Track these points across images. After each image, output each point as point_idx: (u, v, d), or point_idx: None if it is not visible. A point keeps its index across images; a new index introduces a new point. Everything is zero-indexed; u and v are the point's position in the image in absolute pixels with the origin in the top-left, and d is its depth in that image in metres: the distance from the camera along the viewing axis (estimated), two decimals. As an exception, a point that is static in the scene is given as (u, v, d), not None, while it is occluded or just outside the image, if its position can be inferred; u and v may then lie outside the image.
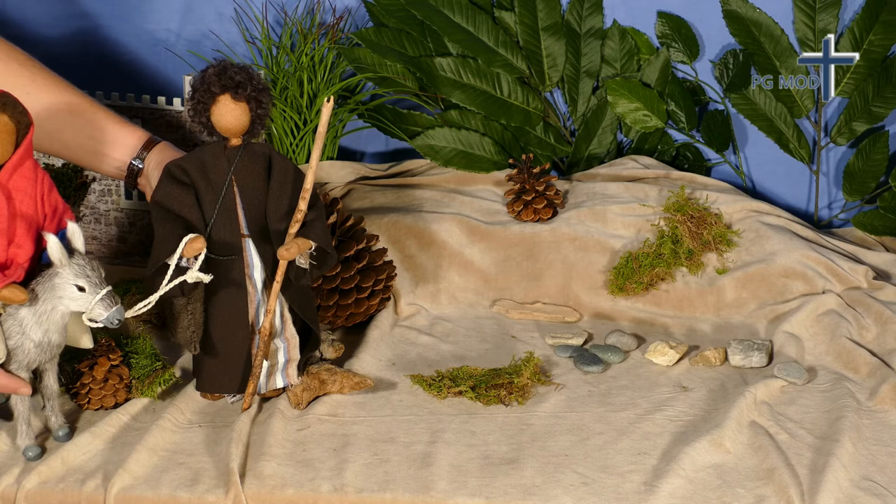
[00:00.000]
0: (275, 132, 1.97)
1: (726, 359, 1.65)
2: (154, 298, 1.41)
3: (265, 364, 1.49)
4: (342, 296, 1.69)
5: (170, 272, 1.40)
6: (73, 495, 1.34)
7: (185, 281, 1.41)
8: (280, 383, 1.51)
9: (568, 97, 2.05)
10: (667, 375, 1.61)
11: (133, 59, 2.08)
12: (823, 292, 1.77)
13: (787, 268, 1.79)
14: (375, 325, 1.72)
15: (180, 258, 1.40)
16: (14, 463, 1.38)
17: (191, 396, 1.52)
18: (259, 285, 1.48)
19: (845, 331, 1.68)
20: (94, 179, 1.90)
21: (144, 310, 1.40)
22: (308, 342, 1.54)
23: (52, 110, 1.62)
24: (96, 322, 1.36)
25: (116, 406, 1.49)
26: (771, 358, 1.65)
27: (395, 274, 1.78)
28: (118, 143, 1.64)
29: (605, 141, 2.05)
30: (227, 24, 2.05)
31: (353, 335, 1.70)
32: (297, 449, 1.41)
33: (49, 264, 1.37)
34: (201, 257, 1.41)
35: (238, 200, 1.46)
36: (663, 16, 2.02)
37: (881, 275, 1.83)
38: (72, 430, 1.44)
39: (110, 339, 1.53)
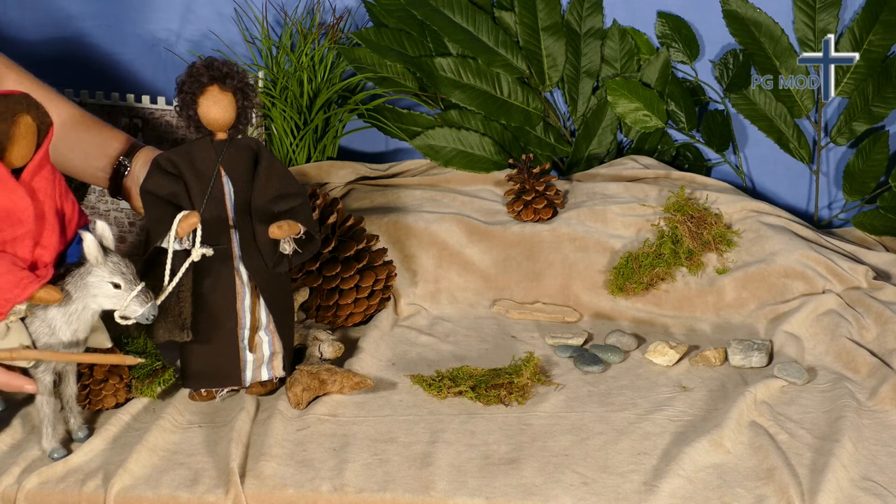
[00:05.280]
0: (275, 132, 1.97)
1: (726, 359, 1.65)
2: (173, 283, 1.42)
3: (251, 357, 1.50)
4: (342, 296, 1.69)
5: (170, 254, 1.42)
6: (73, 495, 1.34)
7: (192, 260, 1.43)
8: (265, 376, 1.52)
9: (568, 97, 2.05)
10: (667, 375, 1.61)
11: (133, 59, 2.08)
12: (823, 292, 1.77)
13: (787, 268, 1.79)
14: (375, 325, 1.72)
15: (179, 239, 1.42)
16: (14, 463, 1.38)
17: (191, 396, 1.52)
18: (245, 277, 1.48)
19: (845, 331, 1.68)
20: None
21: (163, 297, 1.41)
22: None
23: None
24: (129, 319, 1.37)
25: (117, 406, 1.49)
26: (771, 358, 1.65)
27: (395, 274, 1.78)
28: (105, 145, 1.64)
29: (605, 141, 2.04)
30: (227, 24, 2.05)
31: (353, 335, 1.70)
32: (297, 449, 1.41)
33: (71, 265, 1.37)
34: (198, 232, 1.43)
35: (226, 190, 1.47)
36: (663, 16, 2.02)
37: (881, 275, 1.83)
38: (91, 431, 1.44)
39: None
